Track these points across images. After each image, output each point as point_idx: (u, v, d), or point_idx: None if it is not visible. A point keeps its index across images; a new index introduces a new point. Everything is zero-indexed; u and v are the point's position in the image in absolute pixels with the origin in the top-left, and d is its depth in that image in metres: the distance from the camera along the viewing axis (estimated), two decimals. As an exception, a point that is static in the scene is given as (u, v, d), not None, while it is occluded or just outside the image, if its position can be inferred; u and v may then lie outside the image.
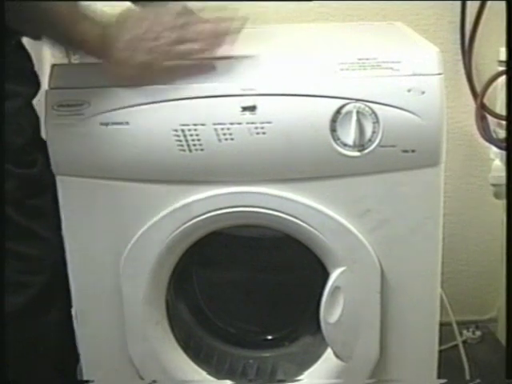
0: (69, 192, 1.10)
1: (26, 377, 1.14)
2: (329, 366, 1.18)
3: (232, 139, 1.04)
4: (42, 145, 1.11)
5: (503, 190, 1.58)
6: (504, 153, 1.56)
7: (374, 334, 1.15)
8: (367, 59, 1.05)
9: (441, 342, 1.21)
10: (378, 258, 1.11)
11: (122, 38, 0.99)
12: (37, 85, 1.19)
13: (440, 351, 1.21)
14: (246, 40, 1.31)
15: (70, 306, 1.20)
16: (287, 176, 1.08)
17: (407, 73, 1.04)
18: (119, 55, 1.00)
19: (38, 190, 1.12)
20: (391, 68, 1.04)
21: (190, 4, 1.36)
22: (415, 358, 1.19)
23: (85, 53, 1.03)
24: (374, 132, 1.04)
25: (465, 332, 1.78)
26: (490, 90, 1.62)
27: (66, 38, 1.01)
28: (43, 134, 1.12)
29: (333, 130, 1.04)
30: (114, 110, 1.04)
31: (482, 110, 1.64)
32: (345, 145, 1.05)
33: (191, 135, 1.04)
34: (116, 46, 0.99)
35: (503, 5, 1.38)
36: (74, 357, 1.28)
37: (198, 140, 1.04)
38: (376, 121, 1.04)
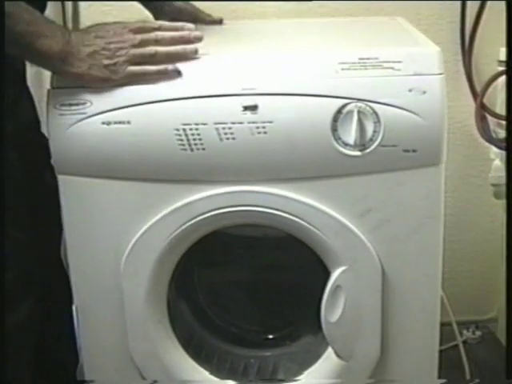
0: (70, 191, 1.10)
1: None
2: (329, 365, 1.18)
3: (233, 139, 1.04)
4: (22, 144, 1.11)
5: (503, 189, 1.59)
6: (504, 153, 1.57)
7: (374, 333, 1.15)
8: (368, 59, 1.05)
9: (441, 342, 1.21)
10: (379, 257, 1.11)
11: (79, 54, 1.02)
12: (23, 86, 1.20)
13: (440, 351, 1.21)
14: (243, 36, 1.31)
15: (42, 302, 1.21)
16: (288, 175, 1.08)
17: (408, 73, 1.04)
18: (76, 71, 1.02)
19: (13, 189, 1.12)
20: (392, 68, 1.04)
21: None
22: (415, 358, 1.19)
23: (45, 68, 1.06)
24: (375, 131, 1.04)
25: (465, 332, 1.78)
26: (490, 89, 1.62)
27: (26, 54, 1.04)
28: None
29: (334, 129, 1.04)
30: (116, 109, 1.04)
31: (482, 110, 1.64)
32: (346, 144, 1.05)
33: (193, 134, 1.04)
34: (74, 63, 1.02)
35: (503, 5, 1.38)
36: (71, 356, 1.28)
37: (200, 139, 1.04)
38: (377, 120, 1.04)
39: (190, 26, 1.08)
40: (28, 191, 1.17)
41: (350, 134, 1.04)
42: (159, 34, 1.05)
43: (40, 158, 1.12)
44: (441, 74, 1.05)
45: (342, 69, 1.05)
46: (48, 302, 1.24)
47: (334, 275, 1.11)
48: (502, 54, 1.59)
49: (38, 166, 1.16)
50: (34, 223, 1.18)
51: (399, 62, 1.04)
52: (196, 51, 1.06)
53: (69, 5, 1.63)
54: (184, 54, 1.05)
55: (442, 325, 1.20)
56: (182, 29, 1.07)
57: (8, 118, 1.11)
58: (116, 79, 1.03)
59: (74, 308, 1.17)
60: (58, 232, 1.18)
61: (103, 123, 1.05)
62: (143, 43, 1.04)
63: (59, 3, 1.60)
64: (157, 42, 1.05)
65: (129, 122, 1.04)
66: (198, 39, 1.06)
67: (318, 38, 1.28)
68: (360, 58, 1.05)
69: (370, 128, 1.04)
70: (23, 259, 1.17)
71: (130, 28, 1.04)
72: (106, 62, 1.02)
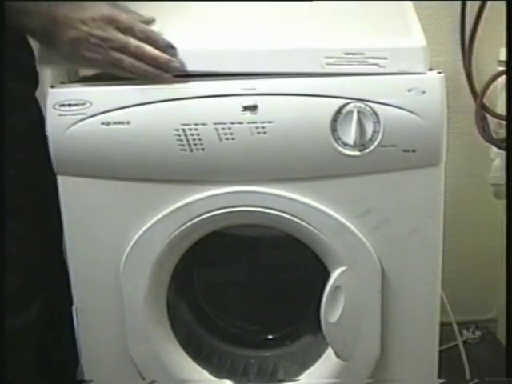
0: (70, 191, 1.10)
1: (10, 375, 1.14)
2: (329, 365, 1.18)
3: (233, 139, 1.04)
4: (34, 144, 1.11)
5: (503, 189, 1.58)
6: (504, 153, 1.56)
7: (374, 333, 1.15)
8: (354, 54, 1.04)
9: (441, 342, 1.21)
10: (379, 257, 1.11)
11: (62, 36, 1.01)
12: (35, 83, 1.19)
13: (440, 351, 1.21)
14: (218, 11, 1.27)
15: (51, 303, 1.22)
16: (288, 176, 1.08)
17: (393, 70, 1.04)
18: (58, 50, 1.03)
19: (19, 190, 1.12)
20: (377, 64, 1.04)
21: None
22: (415, 358, 1.19)
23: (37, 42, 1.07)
24: (374, 132, 1.04)
25: (465, 332, 1.78)
26: (490, 89, 1.61)
27: (17, 28, 1.04)
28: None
29: (333, 129, 1.04)
30: (115, 109, 1.04)
31: (482, 110, 1.63)
32: (345, 144, 1.05)
33: (192, 135, 1.04)
34: (56, 43, 1.02)
35: (503, 5, 1.38)
36: (72, 356, 1.28)
37: (199, 140, 1.04)
38: (377, 120, 1.04)
39: (175, 50, 1.05)
40: (33, 190, 1.17)
41: (350, 134, 1.04)
42: (140, 49, 1.03)
43: (45, 157, 1.12)
44: (440, 72, 1.06)
45: (328, 63, 1.04)
46: (50, 302, 1.24)
47: (334, 275, 1.11)
48: (502, 54, 1.58)
49: (44, 165, 1.16)
50: (41, 223, 1.18)
51: (384, 58, 1.04)
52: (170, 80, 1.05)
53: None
54: (157, 78, 1.04)
55: (442, 325, 1.20)
56: (164, 49, 1.05)
57: (22, 115, 1.11)
58: (93, 69, 1.05)
59: (73, 308, 1.18)
60: (61, 232, 1.18)
61: (102, 124, 1.05)
62: (123, 49, 1.02)
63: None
64: (136, 55, 1.03)
65: (128, 123, 1.04)
66: (175, 70, 1.05)
67: (305, 22, 1.20)
68: (345, 53, 1.04)
69: (369, 128, 1.04)
70: (30, 260, 1.17)
71: (118, 25, 1.02)
72: (86, 53, 1.02)
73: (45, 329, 1.22)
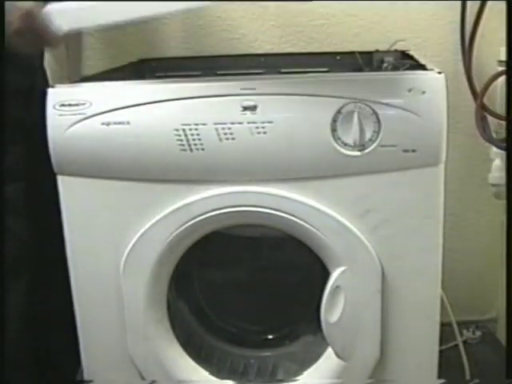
0: (70, 191, 1.11)
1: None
2: (329, 365, 1.18)
3: (233, 139, 1.05)
4: (22, 137, 1.11)
5: (503, 189, 1.58)
6: (504, 153, 1.56)
7: (374, 333, 1.15)
8: None
9: (441, 342, 1.21)
10: (379, 257, 1.11)
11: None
12: (41, 78, 1.20)
13: (440, 351, 1.21)
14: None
15: (30, 296, 1.22)
16: (288, 176, 1.08)
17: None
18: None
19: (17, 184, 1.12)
20: None
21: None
22: (415, 358, 1.19)
23: None
24: (374, 132, 1.04)
25: (465, 332, 1.78)
26: (490, 89, 1.61)
27: None
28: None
29: (334, 129, 1.04)
30: (115, 109, 1.04)
31: (482, 110, 1.63)
32: (345, 144, 1.05)
33: (192, 135, 1.04)
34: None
35: (503, 5, 1.38)
36: (72, 357, 1.28)
37: (199, 139, 1.05)
38: (377, 120, 1.04)
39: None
40: (25, 185, 1.17)
41: (350, 134, 1.04)
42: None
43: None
44: (440, 73, 1.06)
45: None
46: (50, 302, 1.24)
47: (334, 275, 1.11)
48: (502, 54, 1.58)
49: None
50: (36, 217, 1.18)
51: None
52: None
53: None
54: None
55: (442, 325, 1.20)
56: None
57: (14, 107, 1.11)
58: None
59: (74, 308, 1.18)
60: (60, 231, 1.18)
61: (103, 124, 1.05)
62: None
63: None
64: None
65: (128, 123, 1.05)
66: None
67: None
68: None
69: (369, 128, 1.04)
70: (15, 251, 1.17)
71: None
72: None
73: (42, 329, 1.22)
